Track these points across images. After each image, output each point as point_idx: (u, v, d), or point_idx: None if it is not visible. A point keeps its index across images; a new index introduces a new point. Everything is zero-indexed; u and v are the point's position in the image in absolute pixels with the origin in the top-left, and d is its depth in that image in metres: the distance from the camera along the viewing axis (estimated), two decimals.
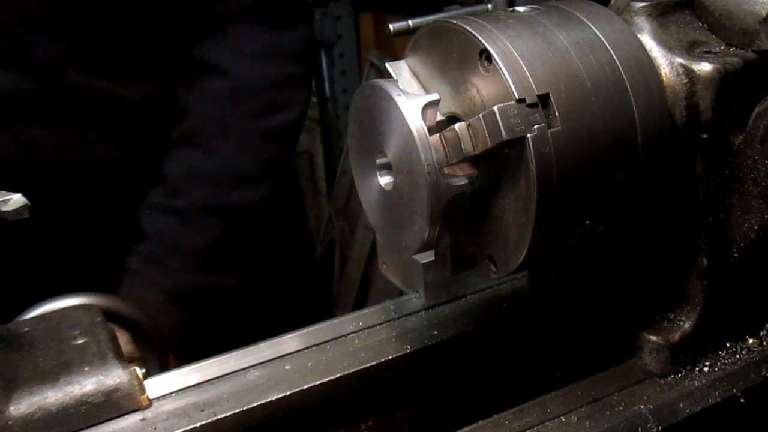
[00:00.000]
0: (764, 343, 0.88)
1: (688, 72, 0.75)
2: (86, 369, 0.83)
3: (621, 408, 0.80)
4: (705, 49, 0.77)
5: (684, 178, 0.77)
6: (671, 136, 0.74)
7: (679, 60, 0.75)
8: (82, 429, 0.81)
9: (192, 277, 1.43)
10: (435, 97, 0.72)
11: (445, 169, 0.70)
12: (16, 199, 0.77)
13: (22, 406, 0.79)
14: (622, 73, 0.71)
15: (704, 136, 0.76)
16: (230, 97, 1.43)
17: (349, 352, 0.90)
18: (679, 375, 0.84)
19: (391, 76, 0.77)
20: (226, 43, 1.43)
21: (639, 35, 0.76)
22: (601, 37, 0.72)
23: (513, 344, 0.96)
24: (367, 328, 0.94)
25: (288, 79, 1.45)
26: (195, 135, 1.44)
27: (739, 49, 0.76)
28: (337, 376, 0.87)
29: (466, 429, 0.79)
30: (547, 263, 0.91)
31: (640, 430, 0.79)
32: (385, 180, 0.77)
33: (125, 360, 0.85)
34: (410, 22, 0.89)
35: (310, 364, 0.89)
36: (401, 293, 1.02)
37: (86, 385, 0.81)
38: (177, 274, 1.41)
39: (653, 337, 0.84)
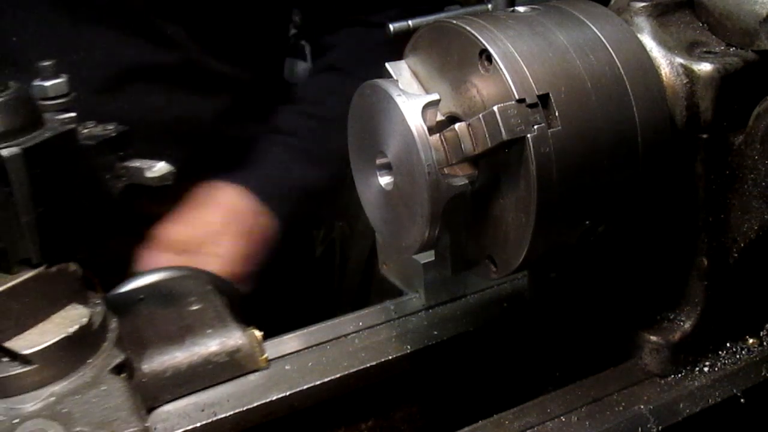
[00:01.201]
0: (764, 343, 0.88)
1: (688, 72, 0.75)
2: (209, 331, 0.87)
3: (621, 408, 0.80)
4: (705, 49, 0.77)
5: (684, 178, 0.77)
6: (671, 136, 0.74)
7: (679, 60, 0.75)
8: (208, 387, 0.85)
9: (327, 176, 1.54)
10: (435, 97, 0.72)
11: (445, 169, 0.70)
12: (161, 166, 0.79)
13: (154, 364, 0.82)
14: (622, 73, 0.71)
15: (704, 136, 0.76)
16: (376, 40, 1.58)
17: (349, 352, 0.90)
18: (679, 375, 0.84)
19: (391, 76, 0.77)
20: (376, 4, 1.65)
21: (639, 35, 0.76)
22: (601, 37, 0.72)
23: (513, 344, 0.96)
24: (367, 328, 0.94)
25: None
26: (338, 63, 1.62)
27: (739, 49, 0.76)
28: (337, 376, 0.87)
29: (466, 429, 0.79)
30: (547, 263, 0.91)
31: (640, 430, 0.79)
32: (385, 180, 0.77)
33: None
34: (410, 22, 0.89)
35: (310, 364, 0.89)
36: (401, 293, 1.02)
37: (211, 345, 0.85)
38: (313, 168, 1.53)
39: (653, 337, 0.84)
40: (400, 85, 0.74)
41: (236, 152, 1.53)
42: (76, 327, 0.70)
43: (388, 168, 0.76)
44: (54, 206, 0.70)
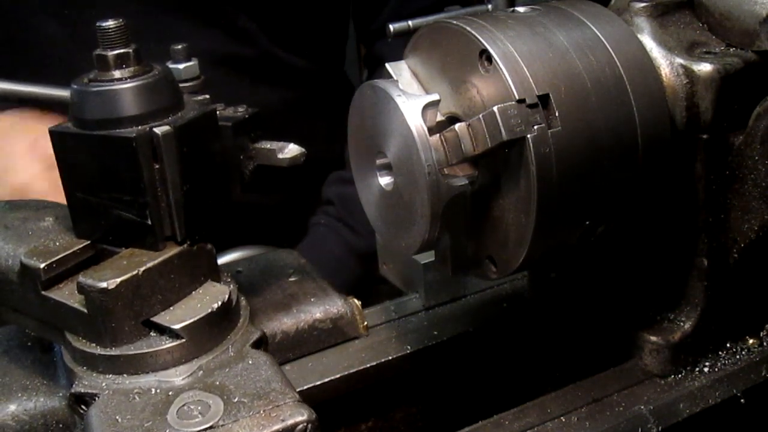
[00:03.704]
0: (764, 344, 0.88)
1: (688, 72, 0.75)
2: (312, 300, 0.91)
3: (621, 408, 0.80)
4: (705, 50, 0.77)
5: (684, 178, 0.77)
6: (671, 137, 0.74)
7: (679, 60, 0.75)
8: (313, 352, 0.90)
9: (371, 239, 1.61)
10: (435, 97, 0.72)
11: (445, 169, 0.70)
12: (292, 147, 0.79)
13: (265, 329, 0.83)
14: (622, 73, 0.71)
15: (704, 136, 0.76)
16: None
17: (349, 352, 0.90)
18: (679, 375, 0.84)
19: (391, 77, 0.77)
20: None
21: (639, 35, 0.76)
22: (601, 37, 0.72)
23: (513, 344, 0.96)
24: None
25: None
26: None
27: (739, 50, 0.76)
28: (337, 376, 0.87)
29: (466, 429, 0.79)
30: (547, 263, 0.91)
31: (640, 430, 0.79)
32: (385, 180, 0.77)
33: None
34: (410, 22, 0.89)
35: (310, 364, 0.89)
36: (401, 293, 1.02)
37: (315, 313, 0.90)
38: (359, 233, 1.61)
39: (653, 338, 0.84)
40: (400, 85, 0.74)
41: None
42: (218, 303, 0.71)
43: (388, 168, 0.76)
44: (197, 185, 0.72)
